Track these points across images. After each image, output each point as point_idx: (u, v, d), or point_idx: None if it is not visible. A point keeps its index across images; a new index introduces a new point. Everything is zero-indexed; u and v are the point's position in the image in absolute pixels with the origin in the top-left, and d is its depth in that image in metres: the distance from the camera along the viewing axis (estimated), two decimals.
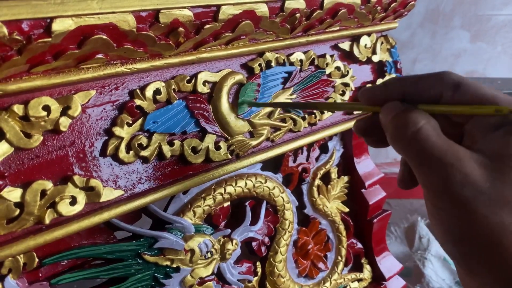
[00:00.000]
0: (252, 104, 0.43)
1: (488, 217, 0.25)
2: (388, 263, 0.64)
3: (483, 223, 0.25)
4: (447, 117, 0.30)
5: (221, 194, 0.44)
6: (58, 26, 0.27)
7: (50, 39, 0.27)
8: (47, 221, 0.30)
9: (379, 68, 0.57)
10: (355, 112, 0.54)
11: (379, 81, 0.57)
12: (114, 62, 0.33)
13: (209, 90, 0.40)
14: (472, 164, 0.25)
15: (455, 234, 0.26)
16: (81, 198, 0.32)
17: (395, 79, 0.30)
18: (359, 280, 0.62)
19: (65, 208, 0.31)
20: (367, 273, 0.63)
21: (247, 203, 0.48)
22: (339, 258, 0.59)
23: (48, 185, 0.31)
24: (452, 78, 0.28)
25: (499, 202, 0.25)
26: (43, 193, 0.30)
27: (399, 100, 0.29)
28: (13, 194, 0.29)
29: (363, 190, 0.60)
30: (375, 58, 0.56)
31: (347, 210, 0.60)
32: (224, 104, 0.41)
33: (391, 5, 0.52)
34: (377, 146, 0.33)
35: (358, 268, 0.63)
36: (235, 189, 0.45)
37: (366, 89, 0.31)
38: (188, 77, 0.38)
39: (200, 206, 0.43)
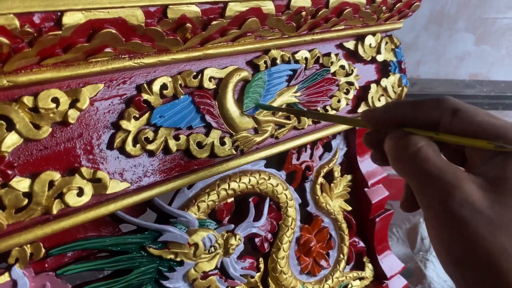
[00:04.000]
0: (263, 107, 0.44)
1: (487, 239, 0.25)
2: (390, 262, 0.64)
3: (482, 245, 0.25)
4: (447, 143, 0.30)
5: (225, 189, 0.45)
6: (69, 19, 0.27)
7: (60, 32, 0.27)
8: (54, 211, 0.31)
9: (384, 68, 0.58)
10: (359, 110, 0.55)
11: (383, 80, 0.57)
12: (122, 56, 0.33)
13: (215, 86, 0.40)
14: (471, 185, 0.26)
15: (455, 255, 0.26)
16: (88, 189, 0.33)
17: (395, 103, 0.31)
18: (361, 278, 0.62)
19: (72, 199, 0.32)
20: (368, 271, 0.63)
21: (250, 199, 0.49)
22: (341, 256, 0.60)
23: (56, 176, 0.31)
24: (450, 104, 0.28)
25: (497, 224, 0.25)
26: (51, 183, 0.31)
27: (400, 127, 0.29)
28: (22, 184, 0.30)
29: (366, 189, 0.60)
30: (380, 58, 0.56)
31: (349, 208, 0.60)
32: (230, 100, 0.41)
33: (396, 5, 0.53)
34: (383, 164, 0.33)
35: (360, 266, 0.63)
36: (239, 185, 0.46)
37: (368, 111, 0.32)
38: (195, 73, 0.39)
39: (204, 201, 0.43)
